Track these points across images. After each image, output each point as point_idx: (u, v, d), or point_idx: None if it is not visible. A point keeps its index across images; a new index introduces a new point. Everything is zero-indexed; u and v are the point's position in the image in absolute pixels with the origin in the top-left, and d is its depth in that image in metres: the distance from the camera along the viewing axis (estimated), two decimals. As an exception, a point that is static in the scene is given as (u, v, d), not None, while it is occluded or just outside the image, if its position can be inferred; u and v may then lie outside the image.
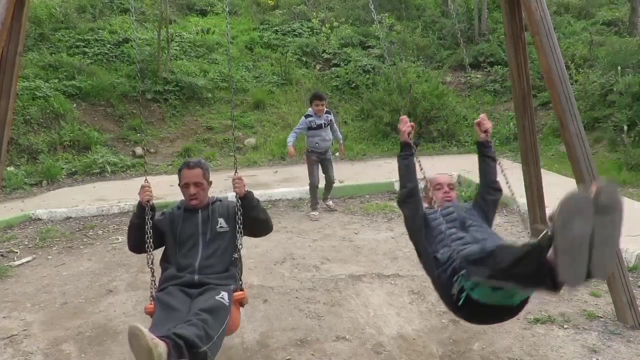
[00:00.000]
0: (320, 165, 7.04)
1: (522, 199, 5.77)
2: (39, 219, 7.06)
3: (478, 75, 14.28)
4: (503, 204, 6.99)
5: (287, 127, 12.02)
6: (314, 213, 7.00)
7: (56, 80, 11.21)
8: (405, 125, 3.07)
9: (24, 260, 5.62)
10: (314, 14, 16.29)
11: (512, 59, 4.40)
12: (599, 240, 1.85)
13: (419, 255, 3.08)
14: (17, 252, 5.88)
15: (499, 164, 3.27)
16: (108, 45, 13.10)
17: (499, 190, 3.30)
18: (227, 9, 3.35)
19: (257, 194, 7.94)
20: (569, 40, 13.66)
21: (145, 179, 3.21)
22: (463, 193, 7.53)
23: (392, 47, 14.72)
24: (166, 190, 7.96)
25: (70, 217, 7.13)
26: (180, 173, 3.25)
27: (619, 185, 2.05)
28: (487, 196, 3.35)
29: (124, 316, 4.19)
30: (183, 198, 3.32)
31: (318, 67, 14.55)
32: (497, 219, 6.47)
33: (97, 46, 13.01)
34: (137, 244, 3.18)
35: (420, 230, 2.98)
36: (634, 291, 3.92)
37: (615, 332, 3.63)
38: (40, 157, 9.57)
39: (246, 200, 3.18)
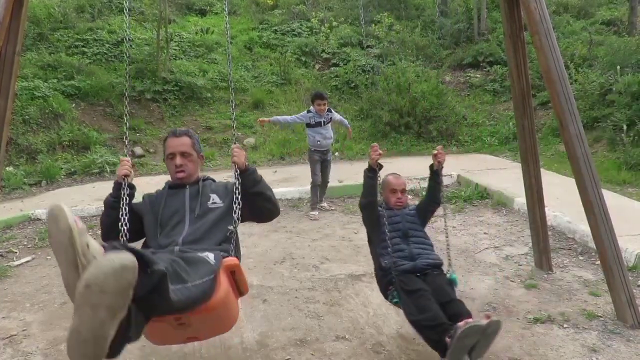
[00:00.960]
0: (320, 165, 7.04)
1: (521, 199, 5.79)
2: (38, 219, 7.05)
3: (477, 75, 14.29)
4: (502, 203, 7.00)
5: (287, 127, 12.04)
6: (313, 213, 7.01)
7: (55, 80, 11.20)
8: (375, 153, 3.42)
9: (23, 260, 5.61)
10: (313, 13, 16.29)
11: (511, 59, 4.39)
12: (478, 347, 2.83)
13: (369, 241, 3.84)
14: (16, 252, 5.87)
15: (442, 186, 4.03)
16: (107, 45, 13.10)
17: (440, 204, 4.02)
18: (226, 9, 3.33)
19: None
20: (568, 40, 13.67)
21: (126, 155, 2.88)
22: (462, 193, 7.54)
23: (392, 47, 14.73)
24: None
25: (70, 217, 7.12)
26: (166, 143, 2.83)
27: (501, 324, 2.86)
28: (430, 207, 4.01)
29: (123, 316, 4.18)
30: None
31: (317, 66, 14.56)
32: (497, 219, 6.48)
33: (96, 46, 13.01)
34: (111, 228, 2.61)
35: (372, 228, 3.71)
36: (634, 290, 3.92)
37: (615, 332, 3.63)
38: (39, 157, 9.57)
39: (247, 172, 2.71)
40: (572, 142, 3.75)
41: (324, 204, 7.28)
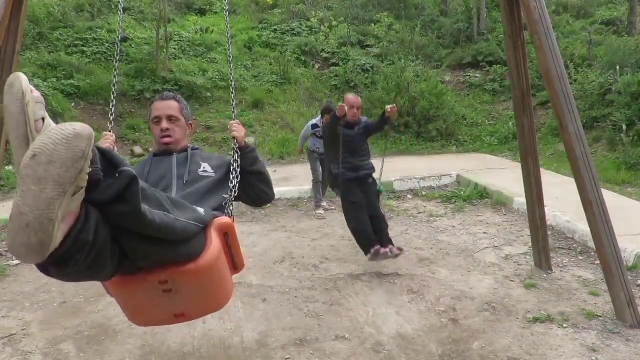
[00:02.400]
0: (319, 163, 7.04)
1: (521, 198, 5.79)
2: (38, 218, 7.05)
3: (477, 75, 14.29)
4: (501, 203, 7.00)
5: (286, 126, 12.03)
6: (319, 212, 6.98)
7: (54, 79, 11.18)
8: (341, 111, 4.65)
9: (22, 259, 5.60)
10: (313, 13, 16.29)
11: (511, 58, 4.39)
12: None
13: (325, 149, 5.36)
14: (15, 252, 5.86)
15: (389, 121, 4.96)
16: (106, 44, 13.08)
17: (381, 131, 5.35)
18: (226, 8, 3.32)
19: (256, 193, 7.89)
20: (568, 40, 13.68)
21: (110, 130, 2.65)
22: (462, 192, 7.54)
23: (391, 46, 14.73)
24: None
25: (69, 216, 7.12)
26: (151, 106, 2.60)
27: None
28: (375, 132, 5.17)
29: (122, 315, 4.16)
30: None
31: (317, 66, 14.55)
32: (497, 218, 6.48)
33: (95, 45, 12.99)
34: None
35: (330, 143, 5.04)
36: (633, 290, 3.92)
37: (614, 331, 3.63)
38: (39, 156, 9.56)
39: (247, 150, 2.57)
40: (571, 142, 3.75)
41: (324, 203, 7.28)
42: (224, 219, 2.16)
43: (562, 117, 3.76)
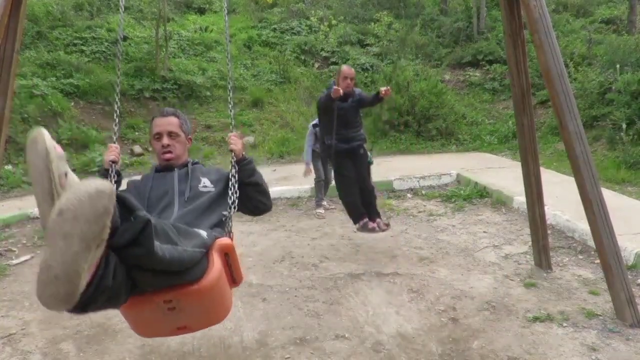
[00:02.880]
0: (321, 162, 7.00)
1: (521, 198, 5.79)
2: (37, 218, 7.02)
3: (477, 74, 14.28)
4: (502, 202, 7.00)
5: (286, 126, 12.03)
6: (319, 211, 6.94)
7: (54, 79, 11.17)
8: (337, 93, 4.83)
9: (22, 259, 5.60)
10: (313, 12, 16.27)
11: (511, 57, 4.39)
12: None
13: (319, 119, 5.60)
14: (15, 251, 5.86)
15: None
16: (105, 44, 13.07)
17: (372, 106, 6.03)
18: (225, 7, 3.32)
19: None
20: (568, 39, 13.67)
21: (115, 141, 2.74)
22: (462, 192, 7.54)
23: (391, 45, 14.72)
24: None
25: (69, 216, 7.11)
26: (152, 123, 2.69)
27: None
28: (367, 106, 5.56)
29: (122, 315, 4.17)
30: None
31: (317, 65, 14.54)
32: (497, 218, 6.48)
33: (95, 44, 12.97)
34: None
35: (324, 115, 5.25)
36: (633, 289, 3.92)
37: (614, 330, 3.63)
38: (38, 155, 9.54)
39: (245, 162, 2.66)
40: (571, 141, 3.74)
41: (324, 203, 7.27)
42: (224, 241, 2.25)
43: (562, 116, 3.75)
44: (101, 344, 3.74)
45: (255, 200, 2.70)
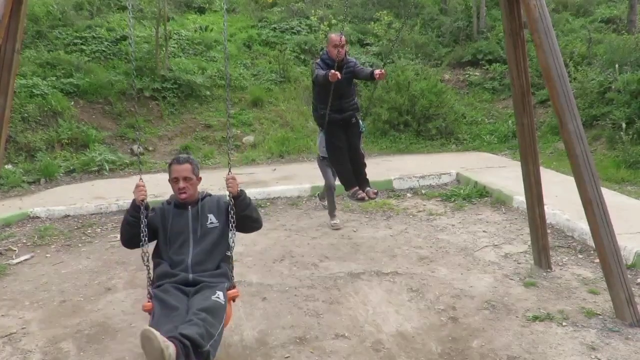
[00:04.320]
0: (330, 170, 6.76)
1: (521, 197, 5.80)
2: (37, 217, 7.04)
3: (477, 73, 14.27)
4: (501, 201, 7.01)
5: (286, 125, 12.02)
6: (335, 222, 6.34)
7: (54, 78, 11.15)
8: (334, 76, 4.79)
9: (22, 258, 5.61)
10: (312, 11, 16.24)
11: (510, 57, 4.39)
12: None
13: (312, 89, 5.70)
14: (15, 250, 5.86)
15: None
16: (106, 43, 13.04)
17: (366, 79, 5.66)
18: (225, 7, 3.34)
19: (256, 191, 7.95)
20: (568, 38, 13.66)
21: (140, 178, 3.25)
22: (462, 191, 7.54)
23: (391, 45, 14.71)
24: (164, 188, 7.88)
25: (69, 215, 7.12)
26: (170, 168, 3.36)
27: None
28: (359, 79, 5.58)
29: (122, 314, 4.18)
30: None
31: (316, 64, 14.53)
32: (496, 217, 6.48)
33: (95, 44, 12.95)
34: (131, 240, 3.31)
35: (318, 86, 5.37)
36: (633, 289, 3.93)
37: (614, 330, 3.64)
38: (38, 155, 9.53)
39: (239, 199, 3.28)
40: (571, 141, 3.75)
41: (326, 203, 7.18)
42: (233, 293, 3.23)
43: (562, 116, 3.76)
44: (101, 343, 3.74)
45: (248, 226, 3.44)
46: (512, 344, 3.53)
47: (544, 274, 4.68)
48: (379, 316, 4.00)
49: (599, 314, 3.88)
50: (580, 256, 5.11)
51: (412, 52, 14.48)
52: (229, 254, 3.32)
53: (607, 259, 3.76)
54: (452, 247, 5.50)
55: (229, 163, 3.43)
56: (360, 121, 5.64)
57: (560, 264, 4.93)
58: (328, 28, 15.21)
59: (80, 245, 6.03)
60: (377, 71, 5.07)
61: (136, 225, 3.17)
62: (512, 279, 4.61)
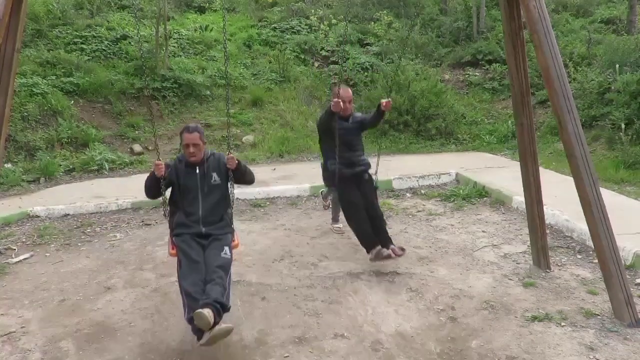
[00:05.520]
0: None
1: (520, 197, 5.80)
2: (37, 216, 7.04)
3: (476, 73, 14.27)
4: (501, 201, 7.02)
5: (285, 125, 12.02)
6: (337, 225, 6.23)
7: (54, 77, 11.16)
8: (337, 105, 4.58)
9: (21, 257, 5.61)
10: (312, 11, 16.25)
11: (510, 57, 4.40)
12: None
13: (320, 140, 5.27)
14: (14, 249, 5.86)
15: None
16: (106, 42, 13.05)
17: (376, 126, 5.51)
18: (225, 6, 3.34)
19: (256, 191, 7.91)
20: (567, 39, 13.67)
21: (158, 158, 3.91)
22: (461, 191, 7.55)
23: (391, 45, 14.72)
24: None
25: (68, 215, 7.12)
26: (182, 135, 4.03)
27: None
28: (370, 128, 5.39)
29: (122, 313, 4.18)
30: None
31: (316, 64, 14.53)
32: (496, 217, 6.49)
33: (95, 43, 12.96)
34: (153, 197, 4.14)
35: (325, 134, 5.06)
36: (631, 289, 3.93)
37: (613, 330, 3.64)
38: (38, 154, 9.53)
39: (238, 171, 4.04)
40: (570, 142, 3.76)
41: (327, 203, 7.04)
42: (235, 245, 4.06)
43: (562, 117, 3.77)
44: (101, 342, 3.75)
45: (245, 182, 4.23)
46: (511, 344, 3.53)
47: (543, 274, 4.68)
48: (378, 316, 4.01)
49: (598, 314, 3.88)
50: (579, 256, 5.12)
51: (412, 53, 14.49)
52: (230, 211, 4.14)
53: (606, 259, 3.77)
54: (451, 247, 5.51)
55: (228, 145, 4.43)
56: (373, 177, 5.23)
57: (559, 264, 4.94)
58: (328, 28, 15.23)
59: (79, 244, 6.03)
60: (383, 101, 4.87)
61: (155, 189, 4.00)
62: (511, 279, 4.61)
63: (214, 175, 4.03)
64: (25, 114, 9.94)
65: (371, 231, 4.83)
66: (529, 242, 5.02)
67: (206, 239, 3.90)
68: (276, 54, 14.11)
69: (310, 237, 6.01)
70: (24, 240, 6.19)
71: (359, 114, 5.31)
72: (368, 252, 4.77)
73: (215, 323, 3.32)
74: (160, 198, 4.07)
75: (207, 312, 3.27)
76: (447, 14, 16.66)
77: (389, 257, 4.70)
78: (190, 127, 4.05)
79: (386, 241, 4.83)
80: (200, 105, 12.21)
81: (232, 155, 4.02)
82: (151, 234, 6.26)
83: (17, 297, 4.59)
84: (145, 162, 10.09)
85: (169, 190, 4.10)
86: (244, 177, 4.15)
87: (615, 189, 7.13)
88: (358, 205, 4.90)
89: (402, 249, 4.82)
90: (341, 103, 4.64)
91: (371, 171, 5.23)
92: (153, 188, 4.04)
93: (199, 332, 3.38)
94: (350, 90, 5.13)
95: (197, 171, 4.00)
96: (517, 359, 3.36)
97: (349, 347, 3.56)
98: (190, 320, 3.39)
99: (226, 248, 3.86)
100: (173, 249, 3.92)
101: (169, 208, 4.09)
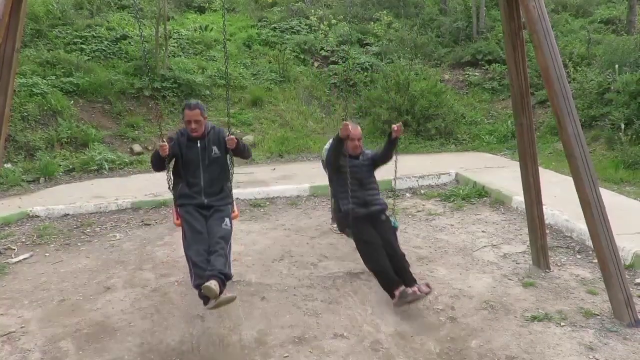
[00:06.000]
0: None
1: (520, 197, 5.80)
2: (37, 216, 7.04)
3: (476, 73, 14.28)
4: (500, 201, 7.02)
5: (285, 125, 12.03)
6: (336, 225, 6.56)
7: (53, 77, 11.16)
8: (345, 130, 4.27)
9: (21, 257, 5.61)
10: (312, 11, 16.26)
11: (510, 57, 4.40)
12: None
13: (329, 180, 4.88)
14: (14, 249, 5.86)
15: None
16: (105, 42, 13.05)
17: (390, 159, 4.80)
18: (225, 6, 3.34)
19: (255, 191, 7.91)
20: (567, 39, 13.67)
21: (162, 140, 4.12)
22: (461, 191, 7.55)
23: (390, 45, 14.72)
24: (164, 187, 7.89)
25: (68, 214, 7.12)
26: (184, 112, 4.27)
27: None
28: (383, 162, 4.81)
29: (121, 313, 4.18)
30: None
31: (316, 64, 14.54)
32: (495, 217, 6.50)
33: (95, 43, 12.96)
34: (158, 171, 4.37)
35: (334, 173, 4.72)
36: (631, 289, 3.94)
37: (612, 330, 3.65)
38: (38, 154, 9.53)
39: (237, 150, 4.28)
40: (570, 142, 3.76)
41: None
42: (234, 215, 4.42)
43: (561, 118, 3.77)
44: (100, 342, 3.75)
45: (243, 157, 4.52)
46: (511, 344, 3.53)
47: (543, 274, 4.69)
48: (377, 316, 4.01)
49: (597, 314, 3.88)
50: (578, 256, 5.12)
51: (412, 53, 14.49)
52: (229, 184, 4.43)
53: (606, 259, 3.77)
54: (450, 247, 5.51)
55: (228, 126, 4.59)
56: (391, 218, 4.69)
57: (558, 264, 4.94)
58: (328, 28, 15.23)
59: (79, 244, 6.03)
60: (394, 126, 4.53)
61: (160, 165, 4.25)
62: (510, 279, 4.61)
63: (214, 148, 4.27)
64: (25, 114, 9.94)
65: (392, 272, 4.15)
66: (528, 242, 5.02)
67: (208, 210, 4.17)
68: (276, 54, 14.12)
69: (310, 237, 6.01)
70: (23, 240, 6.19)
71: (369, 151, 4.92)
72: (391, 295, 4.04)
73: (221, 292, 3.60)
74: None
75: (214, 284, 3.55)
76: (447, 14, 16.67)
77: (415, 297, 3.95)
78: (192, 104, 4.26)
79: (410, 281, 4.10)
80: (200, 105, 12.20)
81: (232, 136, 4.23)
82: (151, 234, 6.27)
83: (17, 297, 4.59)
84: (144, 162, 10.09)
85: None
86: (243, 154, 4.41)
87: (614, 189, 7.13)
88: (374, 243, 4.28)
89: (428, 286, 4.09)
90: (350, 127, 4.30)
91: (388, 212, 4.71)
92: (158, 164, 4.31)
93: (205, 298, 3.66)
94: (359, 128, 4.79)
95: (199, 145, 4.24)
96: (517, 358, 3.36)
97: (349, 346, 3.56)
98: (198, 287, 3.68)
99: (227, 219, 4.13)
100: (178, 219, 4.22)
101: (172, 179, 4.33)
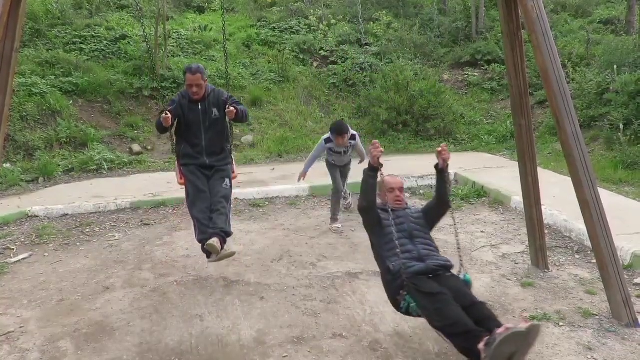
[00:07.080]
0: (340, 172, 6.49)
1: (519, 197, 5.81)
2: (36, 216, 7.04)
3: (475, 74, 14.28)
4: (499, 202, 7.02)
5: (285, 125, 12.03)
6: (336, 225, 6.23)
7: (53, 77, 11.16)
8: (377, 150, 3.35)
9: (20, 257, 5.61)
10: (312, 11, 16.26)
11: (509, 57, 4.41)
12: (517, 355, 2.71)
13: (372, 246, 3.67)
14: (13, 249, 5.86)
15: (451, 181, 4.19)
16: (105, 42, 13.05)
17: (449, 206, 3.76)
18: (224, 6, 3.35)
19: (255, 191, 7.91)
20: (566, 39, 13.69)
21: (166, 113, 4.35)
22: (460, 191, 7.56)
23: (390, 45, 14.72)
24: (164, 187, 7.94)
25: (67, 214, 7.12)
26: (185, 76, 4.49)
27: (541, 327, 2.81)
28: (438, 210, 3.81)
29: (120, 313, 4.19)
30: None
31: (315, 64, 14.53)
32: (494, 217, 6.50)
33: (94, 43, 12.96)
34: (162, 133, 4.82)
35: (374, 229, 3.58)
36: (629, 289, 3.94)
37: (611, 330, 3.65)
38: (37, 153, 9.53)
39: (237, 118, 4.48)
40: (569, 142, 3.76)
41: (340, 216, 6.51)
42: (234, 176, 4.74)
43: (560, 118, 3.77)
44: (99, 342, 3.75)
45: (242, 122, 5.04)
46: (509, 343, 3.53)
47: (542, 274, 4.69)
48: (376, 316, 4.01)
49: (596, 315, 3.89)
50: (577, 257, 5.13)
51: (411, 53, 14.50)
52: (228, 146, 4.71)
53: (604, 259, 3.77)
54: (449, 247, 5.51)
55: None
56: (461, 275, 3.40)
57: (557, 264, 4.94)
58: (327, 28, 15.23)
59: (78, 244, 6.03)
60: (438, 149, 3.56)
61: (164, 130, 4.57)
62: (509, 279, 4.62)
63: (214, 110, 4.50)
64: (24, 113, 9.94)
65: (468, 320, 2.94)
66: (527, 242, 5.02)
67: (210, 170, 4.51)
68: (275, 54, 14.11)
69: (309, 237, 6.01)
70: (22, 240, 6.19)
71: (414, 206, 4.10)
72: (475, 354, 2.80)
73: (222, 248, 4.04)
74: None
75: (216, 242, 3.97)
76: (447, 14, 16.67)
77: (513, 333, 2.67)
78: (193, 68, 4.44)
79: (496, 327, 2.85)
80: (199, 105, 12.20)
81: (231, 108, 4.41)
82: (150, 233, 6.27)
83: (16, 297, 4.59)
84: (144, 162, 10.09)
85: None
86: (241, 120, 4.63)
87: (613, 189, 7.14)
88: (442, 294, 3.07)
89: (526, 319, 3.42)
90: (380, 149, 3.38)
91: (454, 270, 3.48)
92: (162, 130, 4.60)
93: (208, 252, 4.11)
94: (398, 177, 3.83)
95: (200, 107, 4.48)
96: (515, 358, 3.36)
97: (348, 346, 3.57)
98: (202, 242, 4.12)
99: (227, 180, 4.50)
100: (181, 178, 4.54)
101: (175, 138, 4.65)
